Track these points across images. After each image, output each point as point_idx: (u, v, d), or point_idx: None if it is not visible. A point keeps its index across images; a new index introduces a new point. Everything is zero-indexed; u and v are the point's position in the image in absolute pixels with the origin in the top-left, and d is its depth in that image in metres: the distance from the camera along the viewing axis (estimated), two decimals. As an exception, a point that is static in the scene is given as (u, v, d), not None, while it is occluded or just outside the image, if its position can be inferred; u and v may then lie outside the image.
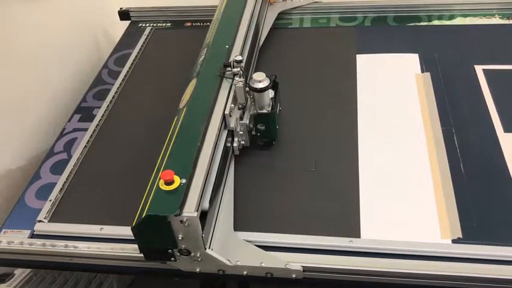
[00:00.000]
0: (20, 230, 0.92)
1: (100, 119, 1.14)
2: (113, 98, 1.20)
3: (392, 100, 1.09)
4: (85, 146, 1.07)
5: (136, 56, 1.33)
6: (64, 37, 1.39)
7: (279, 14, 1.40)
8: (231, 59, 0.99)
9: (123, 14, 1.49)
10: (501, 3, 1.33)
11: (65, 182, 0.99)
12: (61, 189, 0.98)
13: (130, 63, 1.31)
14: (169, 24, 1.47)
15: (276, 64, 1.24)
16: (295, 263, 0.78)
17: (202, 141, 0.85)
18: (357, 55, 1.22)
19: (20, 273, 1.06)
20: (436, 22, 1.32)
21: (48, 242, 0.87)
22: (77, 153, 1.06)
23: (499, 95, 1.06)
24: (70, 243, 0.86)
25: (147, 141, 1.07)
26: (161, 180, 0.76)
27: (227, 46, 1.07)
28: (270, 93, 0.95)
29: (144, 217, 0.73)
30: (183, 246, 0.76)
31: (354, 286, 0.79)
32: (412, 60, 1.18)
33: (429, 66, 1.16)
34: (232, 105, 0.93)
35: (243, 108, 0.97)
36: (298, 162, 0.98)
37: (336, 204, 0.88)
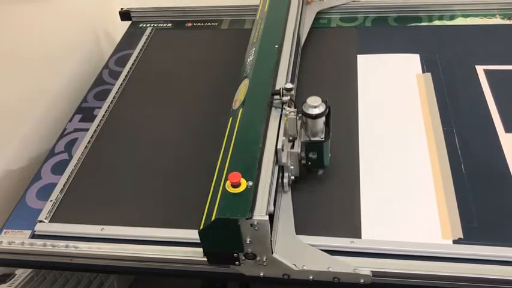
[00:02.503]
0: (21, 230, 0.92)
1: (101, 120, 1.14)
2: (113, 98, 1.20)
3: (393, 100, 1.09)
4: (86, 146, 1.07)
5: (137, 57, 1.33)
6: (65, 37, 1.39)
7: None
8: (279, 86, 0.91)
9: (124, 15, 1.49)
10: (502, 4, 1.32)
11: (66, 182, 0.99)
12: (62, 189, 0.98)
13: (131, 64, 1.31)
14: (170, 25, 1.47)
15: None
16: (364, 267, 0.76)
17: (263, 142, 0.83)
18: (358, 55, 1.22)
19: (21, 274, 1.06)
20: (437, 22, 1.32)
21: (49, 242, 0.87)
22: (77, 153, 1.05)
23: (500, 96, 1.06)
24: (71, 243, 0.86)
25: (147, 142, 1.07)
26: (228, 182, 0.74)
27: (276, 46, 1.06)
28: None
29: (214, 220, 0.71)
30: (250, 250, 0.75)
31: (355, 287, 0.79)
32: (413, 61, 1.18)
33: (430, 66, 1.16)
34: (284, 137, 0.86)
35: (293, 140, 0.89)
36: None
37: (336, 205, 0.88)
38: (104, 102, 1.19)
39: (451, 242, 0.80)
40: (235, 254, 0.76)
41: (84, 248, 0.86)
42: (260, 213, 0.72)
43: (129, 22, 1.50)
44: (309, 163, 0.89)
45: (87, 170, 1.03)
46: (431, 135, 0.99)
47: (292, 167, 0.88)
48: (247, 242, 0.73)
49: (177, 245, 0.84)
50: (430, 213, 0.85)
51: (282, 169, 0.87)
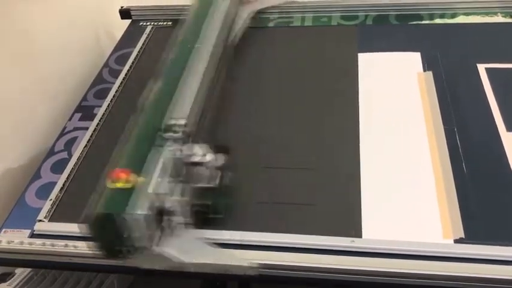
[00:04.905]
0: (20, 229, 0.91)
1: (101, 118, 1.13)
2: (113, 97, 1.19)
3: (394, 99, 1.08)
4: (86, 145, 1.07)
5: (137, 55, 1.33)
6: (64, 36, 1.38)
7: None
8: (172, 122, 0.85)
9: (124, 13, 1.49)
10: (504, 2, 1.31)
11: (66, 181, 0.99)
12: (61, 188, 0.98)
13: (131, 62, 1.30)
14: (170, 23, 1.46)
15: (277, 63, 1.23)
16: (252, 260, 0.78)
17: (161, 139, 0.84)
18: (359, 54, 1.21)
19: (21, 273, 1.06)
20: (438, 21, 1.31)
21: (48, 241, 0.87)
22: (77, 152, 1.05)
23: (501, 94, 1.05)
24: (70, 242, 0.86)
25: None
26: (114, 178, 0.77)
27: (196, 46, 1.07)
28: (219, 160, 0.84)
29: (94, 215, 0.74)
30: (136, 243, 0.77)
31: (355, 286, 0.79)
32: (414, 59, 1.18)
33: (431, 65, 1.15)
34: (161, 179, 0.80)
35: (182, 182, 0.84)
36: (297, 160, 0.97)
37: (337, 204, 0.88)
38: (103, 101, 1.19)
39: (452, 242, 0.80)
40: (123, 248, 0.77)
41: (83, 247, 0.85)
42: (139, 208, 0.73)
43: (129, 20, 1.49)
44: (205, 209, 0.85)
45: (87, 169, 1.02)
46: (432, 134, 0.99)
47: (178, 210, 0.81)
48: (132, 236, 0.75)
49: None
50: (431, 212, 0.85)
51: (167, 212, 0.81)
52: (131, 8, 1.49)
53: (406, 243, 0.80)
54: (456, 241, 0.80)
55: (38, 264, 0.90)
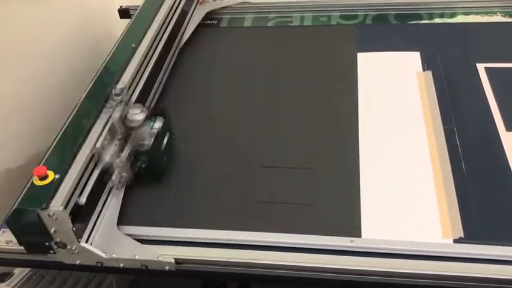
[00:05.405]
0: (19, 229, 0.91)
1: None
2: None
3: (393, 99, 1.08)
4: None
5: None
6: (64, 35, 1.39)
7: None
8: (120, 85, 0.93)
9: (123, 12, 1.48)
10: (503, 1, 1.32)
11: (65, 181, 0.99)
12: (60, 188, 0.97)
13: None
14: (169, 22, 1.46)
15: (276, 62, 1.23)
16: (168, 255, 0.80)
17: (85, 137, 0.86)
18: (358, 53, 1.21)
19: (20, 273, 1.06)
20: (437, 20, 1.31)
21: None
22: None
23: (501, 93, 1.05)
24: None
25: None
26: (35, 174, 0.78)
27: (133, 45, 1.07)
28: (158, 123, 0.88)
29: (14, 211, 0.76)
30: (58, 239, 0.78)
31: (355, 286, 0.79)
32: (413, 59, 1.18)
33: (430, 64, 1.15)
34: (109, 137, 0.87)
35: (124, 140, 0.90)
36: (297, 159, 0.97)
37: (336, 204, 0.88)
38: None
39: (451, 241, 0.80)
40: (46, 243, 0.79)
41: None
42: (57, 205, 0.75)
43: (128, 20, 1.49)
44: (141, 171, 0.89)
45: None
46: (431, 134, 0.99)
47: (120, 165, 0.88)
48: (53, 232, 0.76)
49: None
50: (430, 212, 0.85)
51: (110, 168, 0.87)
52: (130, 8, 1.48)
53: (405, 243, 0.80)
54: (455, 241, 0.80)
55: (37, 264, 0.90)
